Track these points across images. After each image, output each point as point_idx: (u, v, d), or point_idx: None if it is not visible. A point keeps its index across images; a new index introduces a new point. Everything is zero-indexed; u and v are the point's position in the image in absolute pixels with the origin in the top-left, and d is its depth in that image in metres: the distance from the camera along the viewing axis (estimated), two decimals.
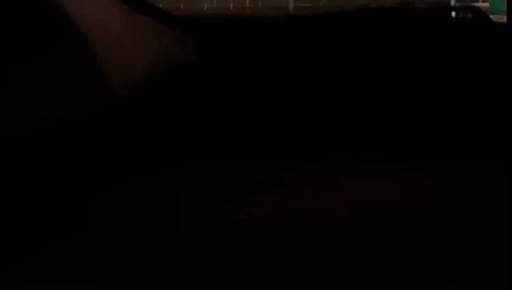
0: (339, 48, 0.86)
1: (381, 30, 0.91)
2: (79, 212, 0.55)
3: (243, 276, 0.44)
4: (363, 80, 0.74)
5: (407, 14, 1.03)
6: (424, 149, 0.67)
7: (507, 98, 0.65)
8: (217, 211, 0.54)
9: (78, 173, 0.63)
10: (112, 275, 0.45)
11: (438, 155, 0.65)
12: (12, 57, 0.70)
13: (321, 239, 0.48)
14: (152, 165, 0.66)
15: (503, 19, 1.26)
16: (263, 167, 0.64)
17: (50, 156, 0.66)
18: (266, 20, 0.96)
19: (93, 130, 0.72)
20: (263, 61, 0.83)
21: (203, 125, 0.73)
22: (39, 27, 0.72)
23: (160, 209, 0.55)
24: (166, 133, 0.73)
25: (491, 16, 0.97)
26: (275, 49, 0.88)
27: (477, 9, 0.94)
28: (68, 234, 0.51)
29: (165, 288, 0.43)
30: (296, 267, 0.45)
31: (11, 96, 0.69)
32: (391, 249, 0.46)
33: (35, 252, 0.49)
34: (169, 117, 0.74)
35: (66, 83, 0.73)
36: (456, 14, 0.95)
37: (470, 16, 0.94)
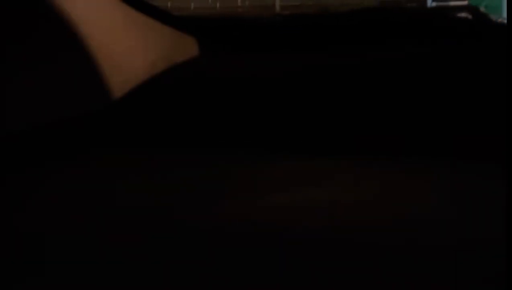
0: (339, 48, 0.86)
1: (380, 30, 0.91)
2: (79, 213, 0.54)
3: (230, 278, 0.43)
4: (362, 79, 0.74)
5: (407, 13, 1.03)
6: (424, 148, 0.67)
7: (507, 98, 0.65)
8: (206, 211, 0.53)
9: (78, 172, 0.63)
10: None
11: (437, 154, 0.65)
12: (10, 57, 0.70)
13: (312, 242, 0.47)
14: (152, 164, 0.66)
15: None
16: (258, 164, 0.64)
17: (50, 156, 0.66)
18: (266, 20, 0.96)
19: (93, 130, 0.72)
20: (263, 60, 0.83)
21: (203, 124, 0.73)
22: (38, 27, 0.72)
23: (158, 207, 0.55)
24: (166, 133, 0.73)
25: None
26: (275, 48, 0.88)
27: (477, 8, 0.94)
28: (68, 232, 0.51)
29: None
30: (288, 269, 0.44)
31: (10, 96, 0.69)
32: (388, 250, 0.46)
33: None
34: (169, 117, 0.74)
35: (66, 83, 0.72)
36: (456, 14, 0.95)
37: (469, 16, 0.94)
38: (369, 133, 0.69)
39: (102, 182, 0.61)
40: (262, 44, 0.89)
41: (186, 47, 0.88)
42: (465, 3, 3.40)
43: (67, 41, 0.72)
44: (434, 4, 4.01)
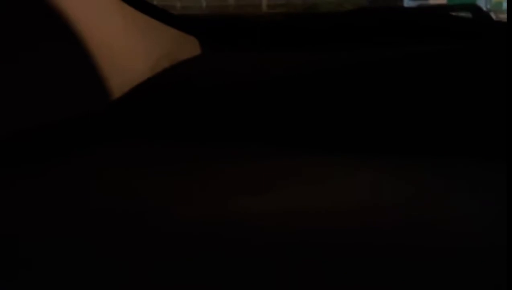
0: (338, 47, 0.87)
1: (380, 30, 0.91)
2: (79, 213, 0.54)
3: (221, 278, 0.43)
4: (361, 79, 0.74)
5: (407, 13, 1.03)
6: (423, 148, 0.67)
7: (507, 98, 0.66)
8: (203, 210, 0.52)
9: (78, 173, 0.63)
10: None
11: (436, 154, 0.65)
12: (10, 57, 0.70)
13: (311, 243, 0.46)
14: (153, 164, 0.66)
15: None
16: (255, 163, 0.63)
17: (51, 156, 0.66)
18: (266, 20, 0.96)
19: (94, 130, 0.72)
20: (265, 58, 0.83)
21: (206, 123, 0.73)
22: (38, 28, 0.72)
23: (155, 206, 0.54)
24: (167, 133, 0.73)
25: None
26: (276, 47, 0.88)
27: (478, 8, 0.94)
28: (67, 229, 0.51)
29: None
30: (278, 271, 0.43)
31: (9, 96, 0.69)
32: (388, 249, 0.45)
33: None
34: (170, 116, 0.74)
35: (66, 84, 0.73)
36: (456, 13, 0.95)
37: (470, 15, 0.94)
38: (367, 132, 0.69)
39: (78, 184, 0.60)
40: (264, 43, 0.89)
41: (188, 47, 0.88)
42: (444, 1, 3.37)
43: (67, 41, 0.72)
44: (411, 3, 4.00)
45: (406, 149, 0.66)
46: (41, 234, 0.49)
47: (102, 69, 0.73)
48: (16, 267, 0.45)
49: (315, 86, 0.74)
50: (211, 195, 0.55)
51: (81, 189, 0.58)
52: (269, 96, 0.74)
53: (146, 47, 0.82)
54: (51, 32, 0.71)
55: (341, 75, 0.74)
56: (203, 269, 0.43)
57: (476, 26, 0.92)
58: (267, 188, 0.56)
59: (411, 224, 0.48)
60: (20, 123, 0.68)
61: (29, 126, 0.68)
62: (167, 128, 0.73)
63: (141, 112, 0.75)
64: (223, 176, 0.59)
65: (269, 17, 0.96)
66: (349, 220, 0.49)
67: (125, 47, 0.78)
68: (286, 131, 0.70)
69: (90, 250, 0.46)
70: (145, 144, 0.69)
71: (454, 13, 0.96)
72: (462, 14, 0.98)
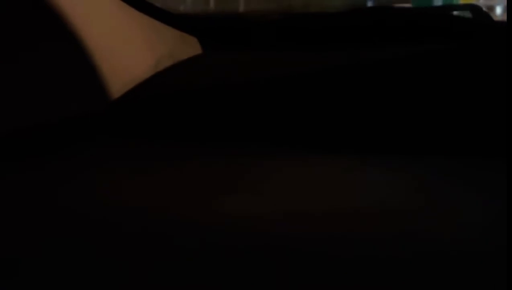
0: (338, 47, 0.87)
1: (380, 29, 0.91)
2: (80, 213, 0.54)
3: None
4: (361, 79, 0.74)
5: (406, 12, 1.03)
6: (423, 147, 0.67)
7: (507, 98, 0.66)
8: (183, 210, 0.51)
9: (78, 172, 0.63)
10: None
11: (436, 154, 0.65)
12: (10, 57, 0.70)
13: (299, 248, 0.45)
14: (153, 164, 0.65)
15: None
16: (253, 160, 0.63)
17: (51, 156, 0.66)
18: (267, 19, 0.96)
19: (94, 130, 0.72)
20: (264, 59, 0.83)
21: (203, 123, 0.73)
22: (38, 28, 0.72)
23: (151, 205, 0.54)
24: (167, 132, 0.73)
25: None
26: (277, 46, 0.88)
27: (478, 8, 0.94)
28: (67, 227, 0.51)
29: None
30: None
31: (8, 96, 0.69)
32: (388, 258, 0.45)
33: None
34: (172, 115, 0.74)
35: (67, 84, 0.73)
36: (456, 13, 0.95)
37: (470, 15, 0.94)
38: (367, 132, 0.69)
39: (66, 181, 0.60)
40: (265, 43, 0.89)
41: (188, 47, 0.88)
42: (409, 5, 3.34)
43: (67, 41, 0.72)
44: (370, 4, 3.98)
45: (406, 148, 0.66)
46: (35, 235, 0.49)
47: (102, 69, 0.72)
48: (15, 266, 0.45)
49: (316, 86, 0.74)
50: (204, 195, 0.54)
51: (71, 187, 0.58)
52: (270, 96, 0.74)
53: (146, 47, 0.82)
54: (51, 32, 0.71)
55: (341, 75, 0.74)
56: (202, 270, 0.43)
57: (476, 26, 0.92)
58: (262, 189, 0.55)
59: (411, 230, 0.47)
60: (20, 123, 0.68)
61: (29, 126, 0.68)
62: (167, 128, 0.73)
63: (141, 112, 0.74)
64: (220, 175, 0.59)
65: (269, 17, 0.96)
66: (346, 224, 0.48)
67: (125, 47, 0.78)
68: (287, 131, 0.70)
69: (84, 249, 0.46)
70: (145, 144, 0.69)
71: (454, 13, 0.96)
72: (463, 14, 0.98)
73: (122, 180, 0.58)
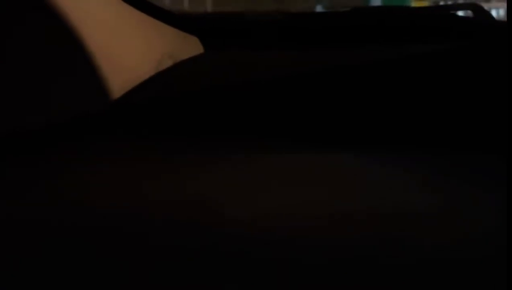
0: (339, 47, 0.87)
1: (380, 29, 0.91)
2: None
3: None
4: (361, 78, 0.74)
5: (407, 12, 1.03)
6: (423, 146, 0.67)
7: (508, 98, 0.66)
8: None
9: (79, 173, 0.63)
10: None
11: (437, 153, 0.65)
12: (9, 57, 0.70)
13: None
14: (154, 163, 0.65)
15: None
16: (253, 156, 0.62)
17: (52, 156, 0.65)
18: (267, 19, 0.96)
19: (94, 130, 0.72)
20: (264, 58, 0.83)
21: (204, 123, 0.73)
22: (38, 28, 0.71)
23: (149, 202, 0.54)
24: (167, 132, 0.73)
25: None
26: (277, 46, 0.88)
27: (479, 7, 0.94)
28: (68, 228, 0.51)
29: None
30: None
31: (8, 96, 0.69)
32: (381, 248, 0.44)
33: None
34: (171, 115, 0.74)
35: (67, 84, 0.72)
36: (457, 13, 0.95)
37: (471, 14, 0.94)
38: (367, 132, 0.69)
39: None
40: (265, 42, 0.89)
41: (189, 46, 0.88)
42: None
43: (67, 41, 0.72)
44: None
45: (406, 148, 0.66)
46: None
47: (103, 69, 0.72)
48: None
49: (317, 86, 0.74)
50: (204, 194, 0.54)
51: (70, 186, 0.58)
52: (270, 95, 0.74)
53: (147, 47, 0.82)
54: (51, 31, 0.71)
55: (342, 75, 0.74)
56: (201, 270, 0.43)
57: (476, 26, 0.92)
58: (263, 187, 0.55)
59: (411, 231, 0.46)
60: (19, 123, 0.68)
61: (28, 126, 0.68)
62: (168, 129, 0.73)
63: (142, 112, 0.74)
64: (220, 174, 0.59)
65: (270, 16, 0.96)
66: (345, 225, 0.47)
67: (125, 47, 0.78)
68: (287, 130, 0.70)
69: (82, 248, 0.46)
70: (145, 144, 0.69)
71: (455, 12, 0.96)
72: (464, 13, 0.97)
73: (121, 179, 0.58)
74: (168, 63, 0.81)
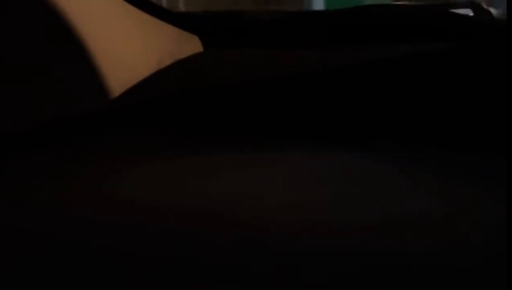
0: (339, 46, 0.86)
1: (381, 29, 0.91)
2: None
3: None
4: (361, 78, 0.74)
5: (407, 11, 1.03)
6: (423, 146, 0.67)
7: (508, 98, 0.66)
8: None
9: (79, 173, 0.63)
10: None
11: (435, 153, 0.65)
12: (9, 57, 0.70)
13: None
14: (154, 163, 0.65)
15: None
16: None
17: (52, 156, 0.65)
18: (267, 18, 0.96)
19: (94, 130, 0.72)
20: (264, 57, 0.83)
21: (204, 122, 0.73)
22: (38, 28, 0.71)
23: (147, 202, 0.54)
24: (167, 131, 0.73)
25: None
26: (277, 45, 0.88)
27: (479, 6, 0.94)
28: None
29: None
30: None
31: (8, 96, 0.69)
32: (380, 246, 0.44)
33: None
34: (171, 114, 0.74)
35: (67, 83, 0.72)
36: (457, 11, 0.95)
37: (471, 13, 0.94)
38: (368, 132, 0.69)
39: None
40: (265, 41, 0.89)
41: (189, 45, 0.88)
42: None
43: (67, 40, 0.72)
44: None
45: (406, 147, 0.66)
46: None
47: (103, 68, 0.72)
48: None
49: (319, 85, 0.74)
50: (204, 194, 0.54)
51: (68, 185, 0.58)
52: (270, 94, 0.74)
53: (147, 46, 0.81)
54: (51, 31, 0.71)
55: (343, 74, 0.74)
56: (201, 270, 0.43)
57: (476, 25, 0.92)
58: (263, 184, 0.55)
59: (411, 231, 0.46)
60: (19, 122, 0.68)
61: (28, 125, 0.68)
62: (168, 127, 0.73)
63: (142, 111, 0.74)
64: (220, 172, 0.59)
65: (270, 15, 0.96)
66: (346, 222, 0.47)
67: (126, 46, 0.78)
68: (287, 130, 0.70)
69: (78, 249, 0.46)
70: (144, 143, 0.69)
71: (455, 11, 0.96)
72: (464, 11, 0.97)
73: (120, 179, 0.58)
74: (168, 61, 0.81)
